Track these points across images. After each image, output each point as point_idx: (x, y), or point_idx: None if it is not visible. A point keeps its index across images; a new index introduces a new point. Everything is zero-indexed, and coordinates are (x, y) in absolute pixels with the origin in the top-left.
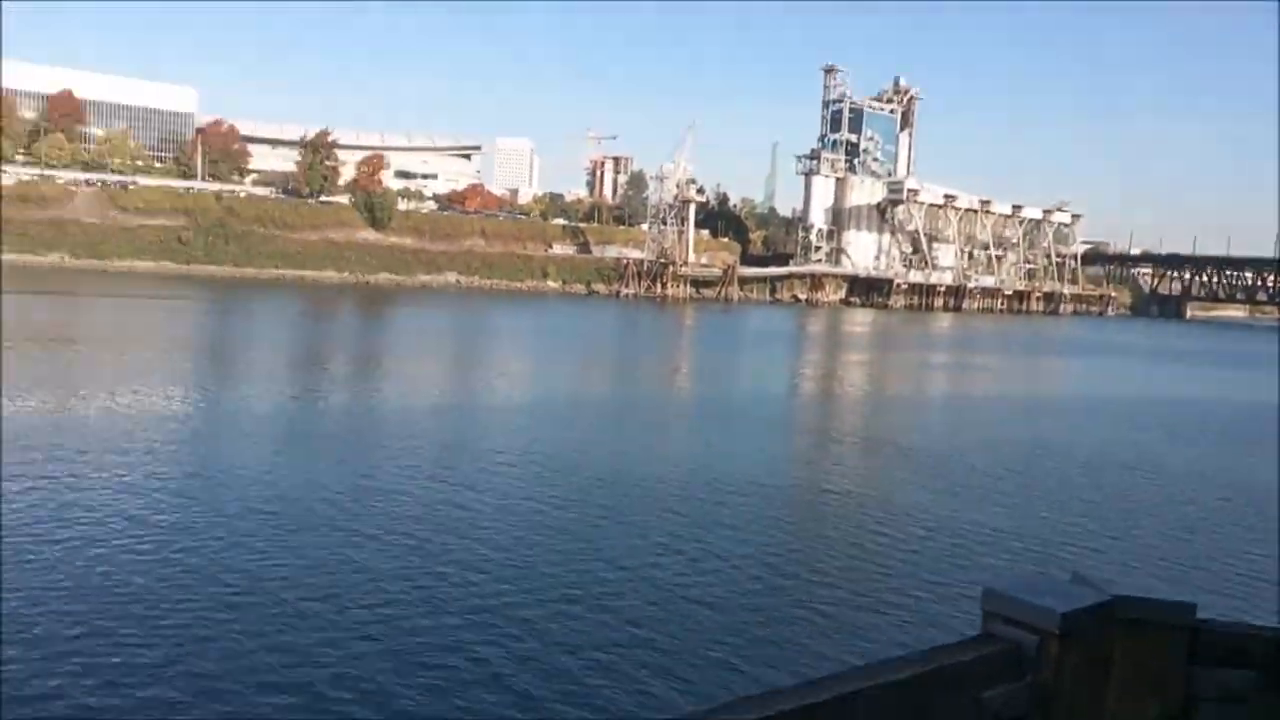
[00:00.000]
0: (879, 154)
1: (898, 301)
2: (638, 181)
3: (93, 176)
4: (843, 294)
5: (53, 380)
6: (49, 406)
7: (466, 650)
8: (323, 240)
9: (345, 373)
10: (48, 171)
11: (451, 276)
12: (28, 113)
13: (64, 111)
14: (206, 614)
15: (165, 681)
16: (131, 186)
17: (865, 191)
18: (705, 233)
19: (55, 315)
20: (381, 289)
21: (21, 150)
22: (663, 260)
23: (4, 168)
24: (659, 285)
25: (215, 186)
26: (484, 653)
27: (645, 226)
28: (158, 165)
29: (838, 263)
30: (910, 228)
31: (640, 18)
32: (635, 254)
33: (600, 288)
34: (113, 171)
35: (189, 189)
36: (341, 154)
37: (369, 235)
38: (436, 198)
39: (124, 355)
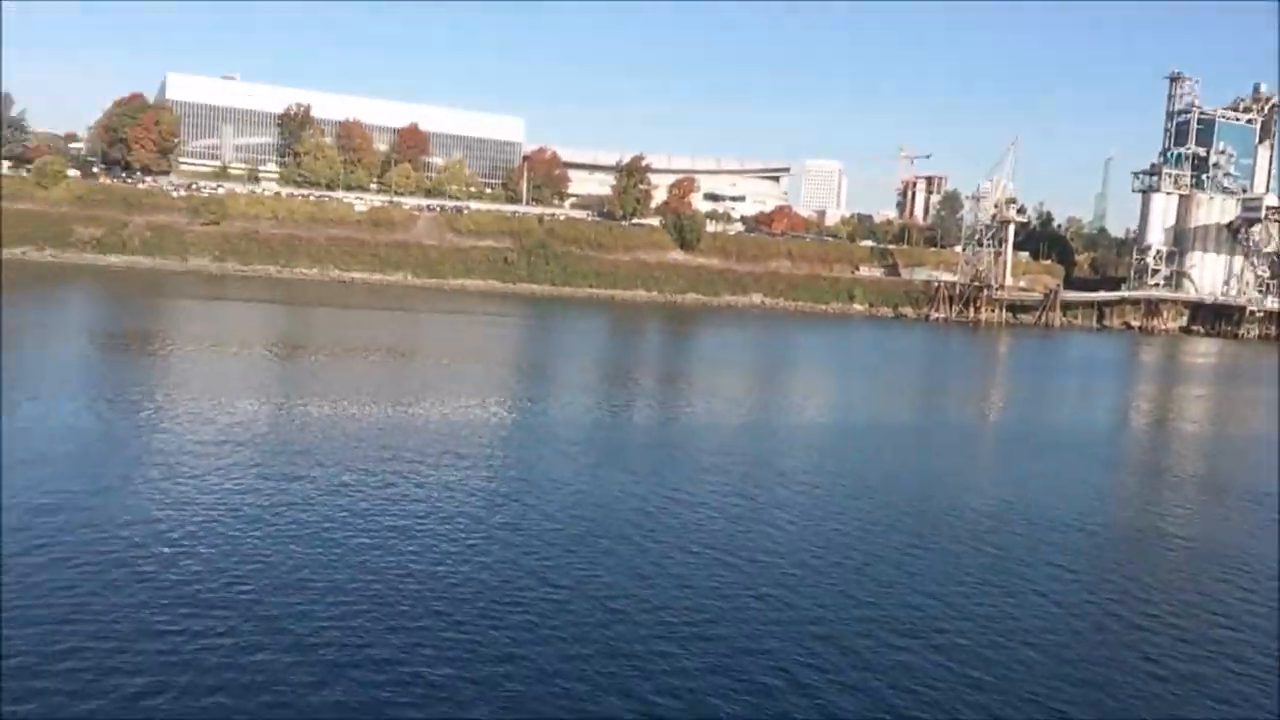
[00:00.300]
0: (1231, 168)
1: (1250, 331)
2: (952, 201)
3: (433, 202)
4: (1183, 322)
5: (396, 389)
6: (393, 413)
7: (787, 672)
8: (634, 261)
9: (654, 387)
10: (396, 198)
11: (756, 297)
12: (381, 145)
13: (411, 144)
14: (540, 612)
15: (506, 673)
16: (465, 211)
17: (1214, 210)
18: (1024, 255)
19: (399, 330)
20: (688, 308)
21: (375, 179)
22: (977, 283)
23: (149, 177)
24: (972, 309)
25: (538, 210)
26: (805, 677)
27: (959, 248)
28: (488, 191)
29: (1178, 287)
30: (1269, 249)
31: (958, 25)
32: (947, 277)
33: (908, 311)
34: (450, 197)
35: (515, 213)
36: (654, 178)
37: (678, 256)
38: (744, 219)
39: (457, 367)
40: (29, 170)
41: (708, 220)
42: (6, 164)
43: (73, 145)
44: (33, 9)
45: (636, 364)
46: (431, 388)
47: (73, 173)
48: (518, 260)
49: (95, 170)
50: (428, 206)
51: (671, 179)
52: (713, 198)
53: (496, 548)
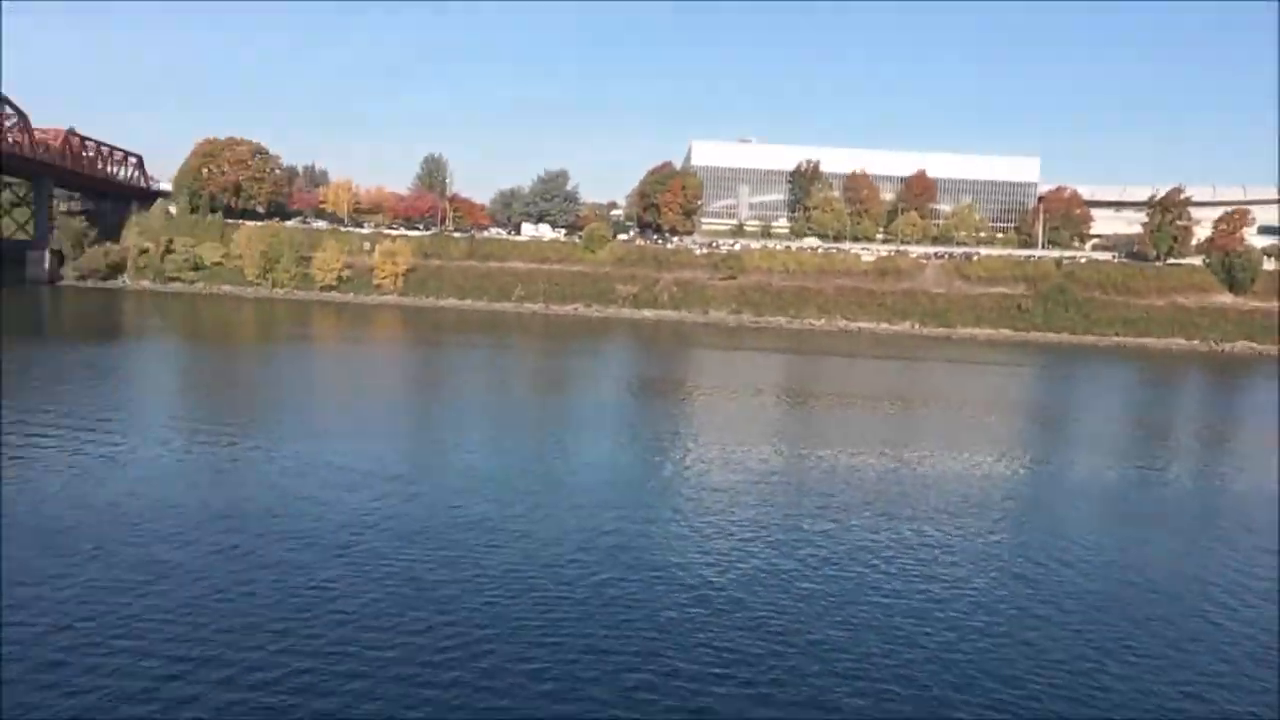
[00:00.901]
0: None
1: None
2: None
3: (940, 249)
4: None
5: (910, 439)
6: (910, 462)
7: None
8: (1169, 305)
9: (1199, 447)
10: (902, 247)
11: None
12: (887, 195)
13: (917, 191)
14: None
15: None
16: (975, 257)
17: None
18: None
19: (908, 378)
20: (1239, 358)
21: (881, 229)
22: None
23: (841, 244)
24: None
25: (1055, 253)
26: None
27: None
28: (999, 236)
29: None
30: None
31: None
32: None
33: None
34: (957, 244)
35: (1029, 257)
36: (1194, 212)
37: (1225, 299)
38: None
39: (972, 418)
40: (580, 237)
41: (1265, 258)
42: (563, 231)
43: (614, 212)
44: (570, 94)
45: (1176, 420)
46: (947, 438)
47: (623, 237)
48: (1032, 307)
49: (631, 233)
50: (935, 254)
51: (1217, 212)
52: (1272, 231)
53: (1049, 609)
